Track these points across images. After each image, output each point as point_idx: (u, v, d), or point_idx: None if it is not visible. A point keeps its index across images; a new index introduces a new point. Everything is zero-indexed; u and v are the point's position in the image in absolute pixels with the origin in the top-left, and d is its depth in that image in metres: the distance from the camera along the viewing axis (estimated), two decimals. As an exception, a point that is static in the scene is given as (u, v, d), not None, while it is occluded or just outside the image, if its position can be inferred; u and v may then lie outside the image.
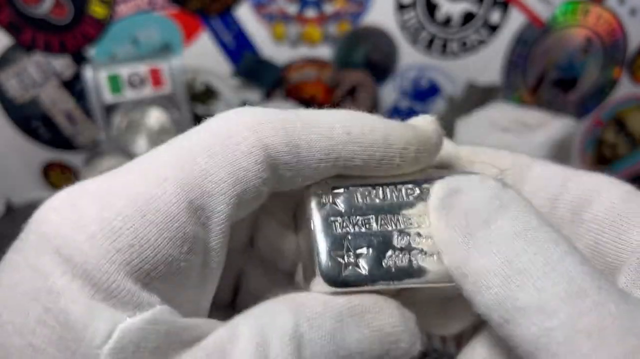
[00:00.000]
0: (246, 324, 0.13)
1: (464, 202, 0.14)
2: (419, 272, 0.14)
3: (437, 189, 0.14)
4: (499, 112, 0.48)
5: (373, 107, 0.55)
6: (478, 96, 0.54)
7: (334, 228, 0.14)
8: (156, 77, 0.50)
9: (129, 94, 0.50)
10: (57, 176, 0.57)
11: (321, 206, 0.15)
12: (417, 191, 0.15)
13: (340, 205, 0.15)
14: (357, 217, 0.15)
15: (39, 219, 0.12)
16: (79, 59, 0.51)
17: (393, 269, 0.14)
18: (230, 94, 0.54)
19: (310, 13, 0.51)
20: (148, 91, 0.50)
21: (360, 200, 0.15)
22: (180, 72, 0.50)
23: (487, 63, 0.54)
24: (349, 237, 0.14)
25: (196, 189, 0.13)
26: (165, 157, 0.13)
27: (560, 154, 0.44)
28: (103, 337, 0.11)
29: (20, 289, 0.11)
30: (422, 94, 0.56)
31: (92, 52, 0.51)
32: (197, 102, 0.54)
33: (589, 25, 0.53)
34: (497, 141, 0.43)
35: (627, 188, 0.15)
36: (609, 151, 0.59)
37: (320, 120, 0.14)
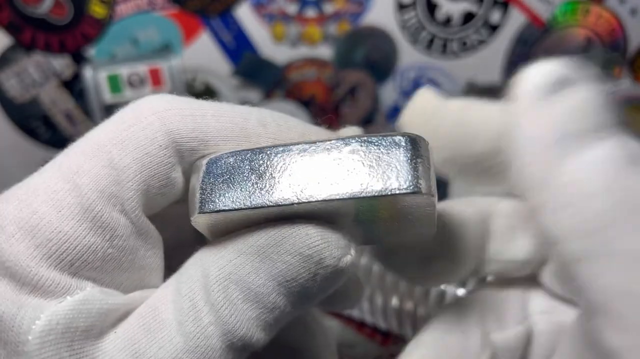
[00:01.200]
0: (171, 286, 0.13)
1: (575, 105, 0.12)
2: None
3: (533, 75, 0.13)
4: (499, 112, 0.48)
5: (373, 107, 0.55)
6: (478, 96, 0.54)
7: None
8: (156, 77, 0.50)
9: (129, 94, 0.50)
10: (57, 176, 0.56)
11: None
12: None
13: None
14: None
15: None
16: (79, 59, 0.51)
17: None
18: (230, 94, 0.54)
19: (310, 13, 0.51)
20: (148, 90, 0.50)
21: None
22: (180, 72, 0.50)
23: (488, 63, 0.54)
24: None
25: (105, 179, 0.13)
26: (77, 150, 0.14)
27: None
28: (30, 322, 0.11)
29: None
30: (422, 94, 0.56)
31: (91, 52, 0.51)
32: (197, 102, 0.54)
33: (589, 25, 0.53)
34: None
35: None
36: (609, 150, 0.59)
37: (235, 110, 0.14)
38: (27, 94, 0.52)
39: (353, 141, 0.13)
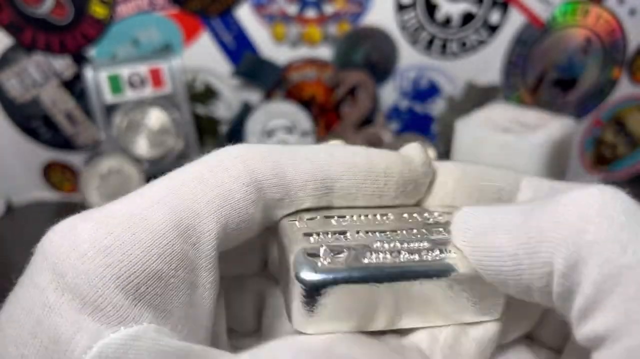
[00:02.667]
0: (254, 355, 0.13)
1: None
2: (405, 270, 0.13)
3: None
4: (499, 113, 0.48)
5: (373, 107, 0.55)
6: (478, 96, 0.54)
7: (308, 240, 0.14)
8: (156, 77, 0.50)
9: (129, 94, 0.50)
10: (58, 176, 0.57)
11: (295, 226, 0.14)
12: (392, 216, 0.15)
13: (316, 226, 0.14)
14: (332, 235, 0.14)
15: (44, 241, 0.13)
16: (80, 59, 0.51)
17: (373, 267, 0.13)
18: (230, 94, 0.54)
19: (310, 13, 0.51)
20: (148, 91, 0.50)
21: (334, 223, 0.15)
22: (180, 72, 0.50)
23: (487, 63, 0.54)
24: (324, 247, 0.14)
25: (185, 210, 0.13)
26: (159, 184, 0.14)
27: (559, 154, 0.44)
28: (82, 351, 0.11)
29: (21, 304, 0.12)
30: (422, 94, 0.56)
31: (92, 52, 0.51)
32: (197, 103, 0.54)
33: (589, 26, 0.53)
34: (496, 141, 0.43)
35: (618, 223, 0.12)
36: (608, 151, 0.59)
37: (305, 148, 0.15)
38: (27, 94, 0.52)
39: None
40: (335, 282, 0.13)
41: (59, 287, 0.12)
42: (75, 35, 0.50)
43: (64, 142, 0.55)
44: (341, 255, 0.13)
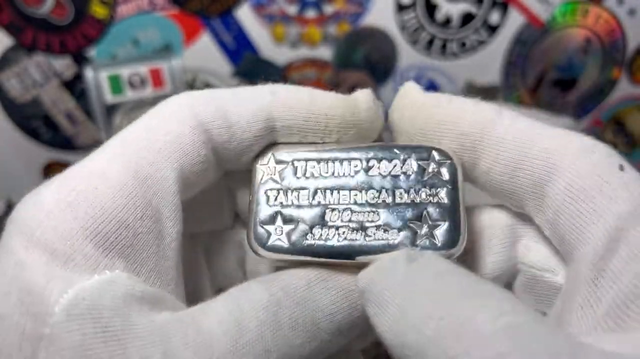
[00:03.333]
0: (220, 300, 0.13)
1: (378, 291, 0.13)
2: (342, 250, 0.15)
3: (360, 277, 0.14)
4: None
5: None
6: (477, 96, 0.54)
7: (269, 201, 0.15)
8: (157, 78, 0.50)
9: (130, 95, 0.50)
10: (58, 176, 0.57)
11: (262, 179, 0.16)
12: (359, 164, 0.16)
13: (280, 179, 0.16)
14: (293, 192, 0.15)
15: (13, 211, 0.13)
16: (80, 60, 0.51)
17: (315, 246, 0.15)
18: (230, 95, 0.54)
19: (310, 14, 0.51)
20: (149, 91, 0.50)
21: (299, 175, 0.16)
22: (180, 73, 0.50)
23: (487, 63, 0.54)
24: (281, 211, 0.15)
25: (140, 160, 0.14)
26: (112, 142, 0.14)
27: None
28: (58, 295, 0.11)
29: None
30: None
31: (92, 52, 0.51)
32: (198, 103, 0.54)
33: (588, 26, 0.53)
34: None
35: (594, 159, 0.14)
36: (608, 151, 0.59)
37: (247, 88, 0.16)
38: (28, 94, 0.52)
39: None
40: (277, 257, 0.15)
41: (29, 245, 0.12)
42: (75, 35, 0.50)
43: (65, 143, 0.55)
44: (290, 226, 0.15)
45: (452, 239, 0.15)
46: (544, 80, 0.56)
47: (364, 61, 0.54)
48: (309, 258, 0.15)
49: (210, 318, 0.13)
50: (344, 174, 0.15)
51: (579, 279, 0.13)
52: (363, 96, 0.16)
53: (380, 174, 0.15)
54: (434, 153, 0.15)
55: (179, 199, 0.14)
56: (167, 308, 0.13)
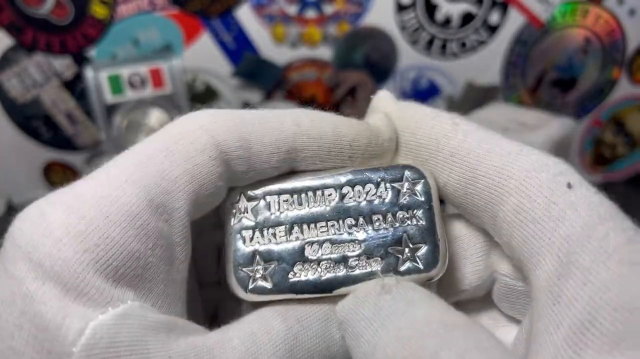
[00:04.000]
0: (237, 329, 0.13)
1: (353, 323, 0.13)
2: (326, 284, 0.14)
3: (337, 308, 0.14)
4: (498, 113, 0.48)
5: (373, 108, 0.55)
6: (477, 96, 0.54)
7: (245, 242, 0.15)
8: (157, 78, 0.50)
9: (130, 95, 0.50)
10: (58, 176, 0.57)
11: (235, 218, 0.15)
12: (336, 195, 0.15)
13: (254, 217, 0.15)
14: (269, 229, 0.15)
15: (13, 230, 0.12)
16: (80, 60, 0.51)
17: (299, 283, 0.14)
18: (230, 95, 0.54)
19: (310, 14, 0.51)
20: (149, 91, 0.50)
21: (273, 210, 0.15)
22: (180, 73, 0.50)
23: (487, 63, 0.54)
24: (260, 250, 0.15)
25: (154, 188, 0.13)
26: (125, 161, 0.14)
27: (559, 154, 0.44)
28: (76, 334, 0.11)
29: (0, 297, 0.12)
30: (422, 95, 0.56)
31: (92, 52, 0.51)
32: (198, 103, 0.54)
33: (588, 26, 0.53)
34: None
35: (542, 178, 0.13)
36: (607, 151, 0.59)
37: (271, 116, 0.15)
38: (28, 94, 0.53)
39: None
40: (261, 300, 0.14)
41: (38, 276, 0.12)
42: (75, 35, 0.50)
43: (65, 143, 0.55)
44: (271, 266, 0.14)
45: (434, 260, 0.14)
46: (544, 80, 0.56)
47: (364, 61, 0.54)
48: (294, 296, 0.14)
49: (227, 352, 0.13)
50: (319, 204, 0.15)
51: (539, 304, 0.13)
52: (385, 127, 0.16)
53: (355, 200, 0.15)
54: (407, 172, 0.15)
55: (189, 226, 0.14)
56: (182, 332, 0.13)
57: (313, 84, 0.55)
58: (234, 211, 0.15)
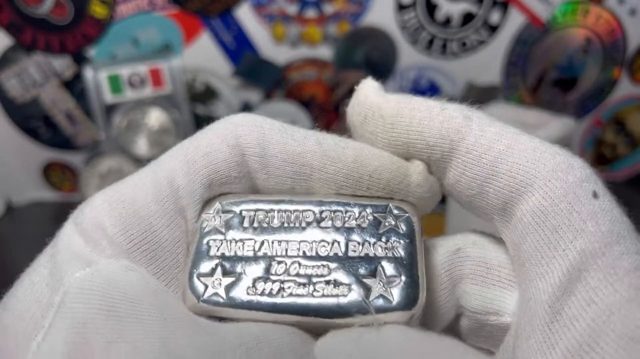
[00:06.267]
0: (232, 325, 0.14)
1: None
2: (283, 307, 0.13)
3: (318, 345, 0.14)
4: (499, 112, 0.48)
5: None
6: (478, 96, 0.54)
7: (211, 251, 0.14)
8: (156, 78, 0.50)
9: (129, 94, 0.50)
10: (58, 176, 0.57)
11: (207, 228, 0.15)
12: (312, 216, 0.15)
13: (226, 229, 0.15)
14: (237, 243, 0.14)
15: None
16: (80, 59, 0.51)
17: (254, 301, 0.14)
18: (230, 94, 0.54)
19: (310, 13, 0.51)
20: (148, 91, 0.50)
21: (248, 225, 0.15)
22: (180, 73, 0.50)
23: (487, 63, 0.54)
24: (222, 263, 0.14)
25: (178, 171, 0.14)
26: (165, 153, 0.15)
27: (559, 154, 0.44)
28: (75, 269, 0.12)
29: (47, 247, 0.14)
30: (422, 94, 0.56)
31: (92, 52, 0.51)
32: (197, 102, 0.54)
33: (589, 26, 0.53)
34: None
35: (569, 181, 0.12)
36: (608, 150, 0.59)
37: (298, 129, 0.15)
38: (27, 94, 0.52)
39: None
40: (212, 311, 0.14)
41: (73, 230, 0.14)
42: (75, 35, 0.50)
43: (64, 142, 0.55)
44: (231, 279, 0.14)
45: (408, 297, 0.13)
46: (545, 80, 0.56)
47: (364, 61, 0.54)
48: (248, 313, 0.13)
49: (221, 334, 0.13)
50: (294, 225, 0.14)
51: (534, 319, 0.12)
52: (416, 169, 0.15)
53: (333, 226, 0.14)
54: (391, 207, 0.14)
55: (198, 216, 0.15)
56: (176, 310, 0.13)
57: (313, 84, 0.54)
58: (207, 220, 0.15)
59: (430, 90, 0.56)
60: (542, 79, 0.56)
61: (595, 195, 0.12)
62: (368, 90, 0.16)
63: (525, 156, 0.13)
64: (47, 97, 0.53)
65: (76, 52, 0.51)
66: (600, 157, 0.59)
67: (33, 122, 0.54)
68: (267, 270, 0.14)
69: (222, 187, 0.15)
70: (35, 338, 0.12)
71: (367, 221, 0.14)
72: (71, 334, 0.11)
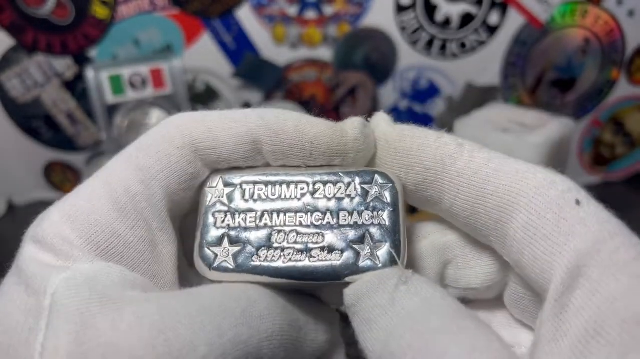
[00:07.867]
0: (208, 288, 0.15)
1: (366, 309, 0.14)
2: (286, 271, 0.15)
3: (348, 292, 0.15)
4: (498, 113, 0.48)
5: (373, 108, 0.55)
6: (477, 97, 0.54)
7: (217, 223, 0.16)
8: (157, 78, 0.50)
9: (131, 95, 0.50)
10: (59, 176, 0.57)
11: (210, 200, 0.16)
12: (308, 190, 0.16)
13: (228, 201, 0.16)
14: (241, 214, 0.16)
15: (29, 229, 0.15)
16: (81, 60, 0.51)
17: (260, 267, 0.15)
18: (230, 95, 0.54)
19: (310, 15, 0.52)
20: (149, 91, 0.50)
21: (247, 198, 0.16)
22: (181, 73, 0.50)
23: (486, 64, 0.54)
24: (229, 233, 0.16)
25: (132, 178, 0.15)
26: (112, 161, 0.16)
27: (558, 154, 0.45)
28: (57, 274, 0.13)
29: (7, 276, 0.14)
30: (422, 95, 0.56)
31: (93, 53, 0.51)
32: (198, 103, 0.54)
33: (587, 26, 0.54)
34: (496, 141, 0.43)
35: (551, 196, 0.13)
36: (607, 151, 0.59)
37: (236, 111, 0.16)
38: (29, 94, 0.53)
39: None
40: (223, 278, 0.15)
41: (36, 247, 0.14)
42: (76, 35, 0.51)
43: (65, 143, 0.55)
44: (237, 248, 0.16)
45: (392, 259, 0.15)
46: (543, 80, 0.56)
47: (364, 62, 0.54)
48: (255, 277, 0.15)
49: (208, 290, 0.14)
50: (290, 196, 0.16)
51: (544, 313, 0.13)
52: (351, 125, 0.16)
53: (325, 196, 0.16)
54: (377, 177, 0.16)
55: (166, 210, 0.15)
56: (160, 291, 0.14)
57: (313, 85, 0.55)
58: (211, 193, 0.16)
59: (429, 90, 0.56)
60: (541, 79, 0.56)
61: (578, 202, 0.13)
62: (380, 121, 0.17)
63: (509, 177, 0.14)
64: (48, 98, 0.53)
65: (77, 53, 0.51)
66: (598, 157, 0.60)
67: (34, 122, 0.54)
68: (269, 239, 0.16)
69: (181, 185, 0.16)
70: (35, 341, 0.12)
71: (355, 192, 0.16)
72: (70, 325, 0.12)
